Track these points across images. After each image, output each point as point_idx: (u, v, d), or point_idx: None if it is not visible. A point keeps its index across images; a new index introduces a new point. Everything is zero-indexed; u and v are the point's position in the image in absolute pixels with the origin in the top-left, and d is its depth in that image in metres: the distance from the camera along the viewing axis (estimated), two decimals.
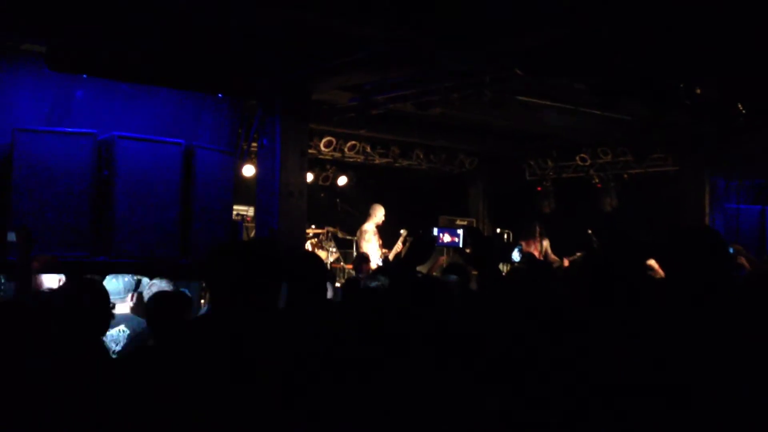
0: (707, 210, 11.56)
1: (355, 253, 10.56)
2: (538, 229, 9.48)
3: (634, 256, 3.07)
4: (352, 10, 6.35)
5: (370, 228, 9.65)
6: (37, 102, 7.60)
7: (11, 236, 5.45)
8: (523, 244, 9.35)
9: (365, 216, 9.98)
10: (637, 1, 6.05)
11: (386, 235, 10.36)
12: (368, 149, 12.50)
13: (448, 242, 4.22)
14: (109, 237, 7.23)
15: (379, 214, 9.74)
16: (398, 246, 10.12)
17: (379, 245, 9.81)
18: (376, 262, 9.43)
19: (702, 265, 2.69)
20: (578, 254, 9.68)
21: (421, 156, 13.15)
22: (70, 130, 7.34)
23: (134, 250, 7.27)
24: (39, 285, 5.41)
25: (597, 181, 13.14)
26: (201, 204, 7.74)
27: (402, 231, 10.26)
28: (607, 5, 6.07)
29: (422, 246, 3.54)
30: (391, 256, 9.85)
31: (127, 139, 7.40)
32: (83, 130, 7.34)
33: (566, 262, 9.45)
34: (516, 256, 7.84)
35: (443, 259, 9.21)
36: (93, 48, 7.06)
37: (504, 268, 12.88)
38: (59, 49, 6.96)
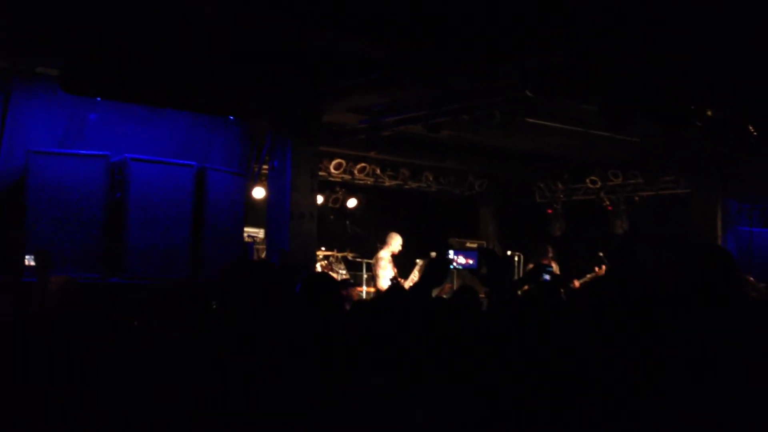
0: (719, 232, 11.50)
1: (364, 276, 10.55)
2: (550, 250, 9.45)
3: (644, 278, 3.05)
4: (362, 32, 6.40)
5: (385, 256, 9.63)
6: (51, 124, 7.68)
7: (30, 259, 5.50)
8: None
9: (381, 242, 9.97)
10: (648, 24, 6.08)
11: (400, 261, 10.35)
12: (378, 171, 12.52)
13: (463, 264, 4.20)
14: (121, 258, 7.27)
15: (395, 243, 9.71)
16: (414, 275, 10.10)
17: (395, 273, 9.79)
18: (386, 285, 9.42)
19: (714, 283, 2.69)
20: (588, 276, 9.65)
21: (431, 178, 13.17)
22: (83, 152, 7.41)
23: (146, 272, 7.30)
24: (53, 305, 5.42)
25: (608, 203, 13.11)
26: (212, 225, 7.77)
27: (418, 261, 10.25)
28: (617, 28, 6.10)
29: (438, 268, 3.53)
30: (406, 286, 9.81)
31: (139, 161, 7.46)
32: (96, 153, 7.40)
33: (577, 284, 9.42)
34: (546, 276, 7.98)
35: (449, 287, 9.17)
36: (107, 71, 7.13)
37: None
38: (74, 71, 7.03)
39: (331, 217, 13.36)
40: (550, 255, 9.33)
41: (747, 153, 9.40)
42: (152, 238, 7.40)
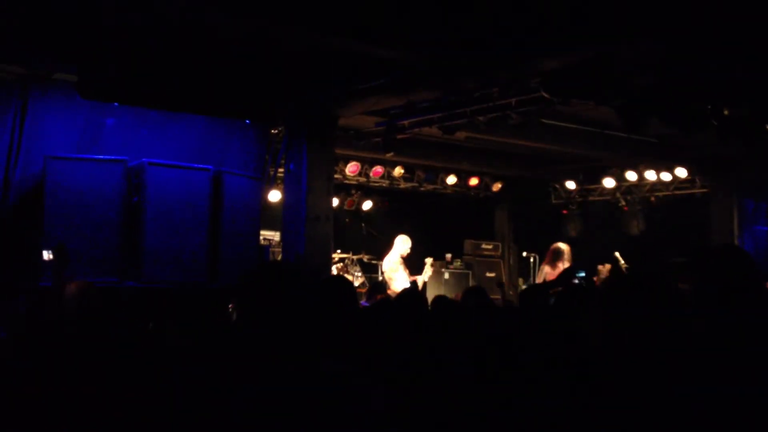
0: (736, 232, 11.42)
1: (380, 279, 10.55)
2: (567, 251, 9.38)
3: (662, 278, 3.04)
4: (377, 34, 6.41)
5: (394, 259, 9.63)
6: (69, 130, 7.73)
7: (47, 254, 5.52)
8: (548, 267, 9.27)
9: (390, 246, 9.96)
10: (662, 23, 6.05)
11: (412, 260, 10.34)
12: (394, 173, 12.53)
13: None
14: (138, 262, 7.30)
15: (402, 245, 9.69)
16: (427, 272, 10.08)
17: (408, 274, 9.78)
18: (401, 287, 9.41)
19: (732, 281, 2.68)
20: (601, 267, 9.57)
21: (446, 180, 13.16)
22: (100, 157, 7.45)
23: (163, 276, 7.32)
24: (70, 310, 5.45)
25: (624, 204, 13.05)
26: (229, 229, 7.79)
27: (427, 260, 10.24)
28: (633, 27, 6.07)
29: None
30: (420, 284, 9.80)
31: (156, 165, 7.49)
32: (114, 157, 7.45)
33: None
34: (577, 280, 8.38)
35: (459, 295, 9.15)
36: (124, 76, 7.18)
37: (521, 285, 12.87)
38: (91, 77, 7.08)
39: (347, 219, 13.38)
40: (567, 255, 9.25)
41: (763, 152, 9.33)
42: (169, 242, 7.43)
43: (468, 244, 13.06)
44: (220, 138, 8.63)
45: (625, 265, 9.53)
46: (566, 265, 9.31)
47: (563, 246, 9.38)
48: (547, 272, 9.16)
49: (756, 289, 2.71)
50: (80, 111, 7.71)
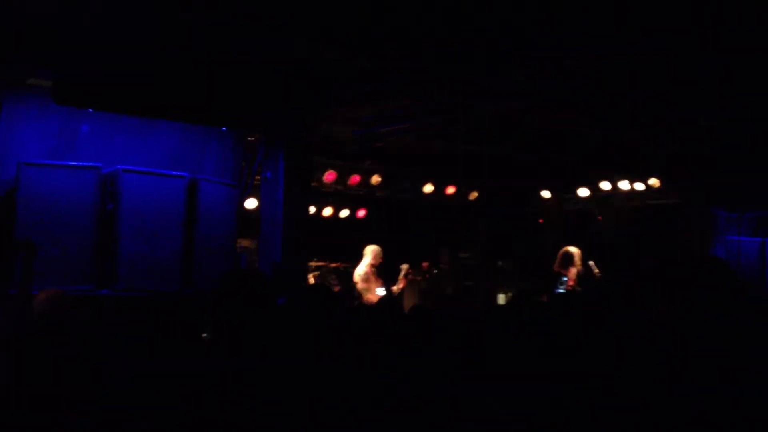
0: (708, 242, 11.57)
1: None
2: (578, 254, 9.34)
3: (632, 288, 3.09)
4: (353, 45, 6.43)
5: (364, 269, 9.61)
6: (43, 136, 7.64)
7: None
8: (563, 271, 9.30)
9: (361, 256, 9.93)
10: (638, 35, 6.13)
11: (389, 269, 10.34)
12: (371, 181, 12.53)
13: None
14: (112, 270, 7.23)
15: (373, 255, 9.67)
16: (401, 280, 10.09)
17: (380, 283, 9.76)
18: (377, 296, 9.41)
19: (710, 293, 2.71)
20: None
21: (423, 188, 13.19)
22: (74, 163, 7.38)
23: (138, 284, 7.26)
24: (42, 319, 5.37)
25: (598, 213, 13.17)
26: (205, 237, 7.74)
27: (403, 266, 10.24)
28: (609, 42, 6.15)
29: None
30: (395, 290, 9.81)
31: (131, 172, 7.43)
32: (88, 164, 7.37)
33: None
34: (560, 288, 8.45)
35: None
36: (99, 82, 7.12)
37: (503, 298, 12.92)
38: (65, 83, 7.02)
39: (324, 227, 13.36)
40: (577, 259, 9.21)
41: (735, 162, 9.48)
42: (144, 250, 7.37)
43: (445, 253, 13.11)
44: (196, 145, 8.58)
45: (598, 274, 9.60)
46: (578, 268, 9.32)
47: (573, 249, 9.35)
48: (566, 276, 9.19)
49: (733, 298, 2.74)
50: (55, 117, 7.63)
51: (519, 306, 4.88)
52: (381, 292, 9.42)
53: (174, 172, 7.73)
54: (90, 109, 7.61)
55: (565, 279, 9.20)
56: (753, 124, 8.33)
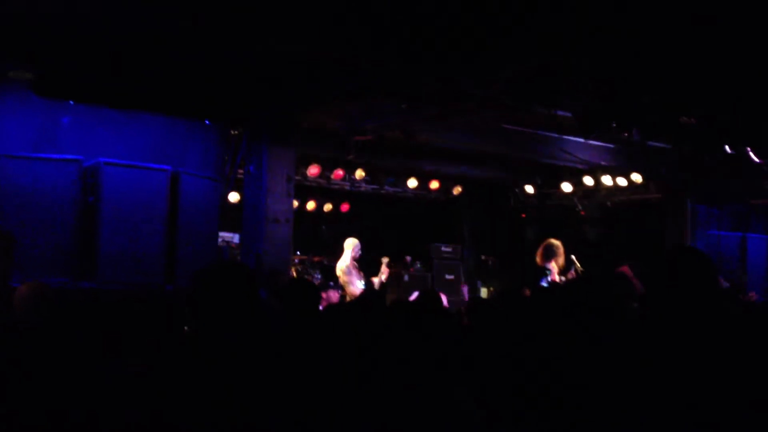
0: (689, 237, 11.68)
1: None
2: (559, 245, 9.36)
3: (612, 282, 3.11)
4: (339, 40, 6.42)
5: (345, 263, 9.62)
6: (23, 128, 7.59)
7: None
8: (547, 264, 9.30)
9: (342, 250, 9.94)
10: (619, 33, 6.16)
11: (371, 264, 10.35)
12: (355, 176, 12.53)
13: None
14: (93, 263, 7.21)
15: (353, 249, 9.68)
16: (383, 273, 10.11)
17: (362, 276, 9.77)
18: (360, 288, 9.42)
19: (689, 285, 2.73)
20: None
21: (407, 183, 13.20)
22: (55, 156, 7.34)
23: (119, 277, 7.24)
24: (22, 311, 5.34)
25: (580, 208, 13.23)
26: (187, 230, 7.73)
27: (383, 259, 10.25)
28: (591, 37, 6.17)
29: None
30: (376, 284, 9.82)
31: (112, 165, 7.40)
32: (69, 157, 7.34)
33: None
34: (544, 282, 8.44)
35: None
36: (80, 74, 7.08)
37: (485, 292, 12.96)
38: (47, 75, 6.97)
39: (307, 222, 13.34)
40: (558, 251, 9.24)
41: (715, 158, 9.55)
42: (125, 243, 7.35)
43: (431, 247, 13.12)
44: (178, 138, 8.54)
45: (581, 269, 9.65)
46: (561, 260, 9.34)
47: (554, 241, 9.37)
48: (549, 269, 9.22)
49: (711, 290, 2.77)
50: (36, 110, 7.58)
51: (501, 300, 4.91)
52: (362, 285, 9.44)
53: (156, 165, 7.71)
54: (71, 102, 7.57)
55: (549, 272, 9.24)
56: (732, 119, 8.40)
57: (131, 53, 6.85)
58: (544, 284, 9.15)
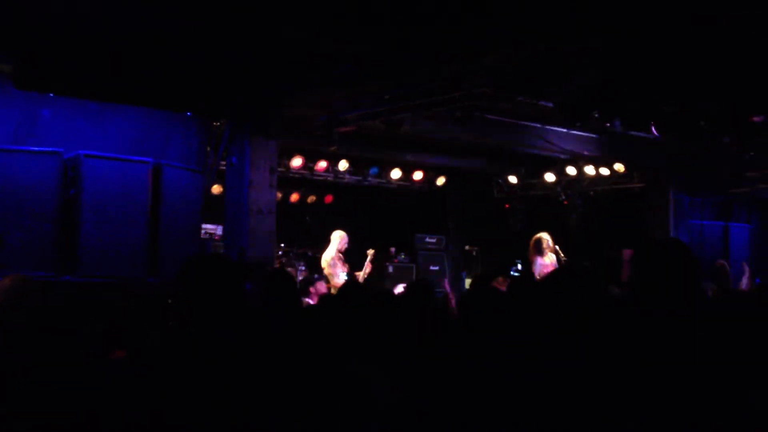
0: (671, 226, 11.74)
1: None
2: (547, 238, 9.48)
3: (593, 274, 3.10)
4: (322, 27, 6.39)
5: (331, 255, 9.61)
6: (3, 121, 7.50)
7: None
8: (540, 258, 9.38)
9: (327, 243, 9.93)
10: (602, 22, 6.17)
11: (356, 255, 10.34)
12: (338, 167, 12.50)
13: None
14: (74, 256, 7.15)
15: (340, 241, 9.68)
16: (368, 266, 10.10)
17: (347, 269, 9.77)
18: (342, 281, 9.41)
19: (671, 276, 2.74)
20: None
21: (391, 174, 13.19)
22: (35, 149, 7.26)
23: (101, 270, 7.19)
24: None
25: (564, 198, 13.28)
26: (169, 223, 7.68)
27: (369, 251, 10.25)
28: (574, 25, 6.18)
29: None
30: (361, 277, 9.82)
31: (93, 157, 7.34)
32: (49, 149, 7.27)
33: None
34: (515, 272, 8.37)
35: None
36: (60, 66, 7.00)
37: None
38: (26, 67, 6.89)
39: (291, 213, 13.31)
40: (546, 245, 9.35)
41: (698, 148, 9.61)
42: (107, 236, 7.29)
43: (415, 238, 13.14)
44: (160, 130, 8.47)
45: (564, 258, 9.71)
46: (551, 250, 9.48)
47: (543, 235, 9.53)
48: (541, 263, 9.29)
49: (694, 283, 2.77)
50: (15, 102, 7.50)
51: (470, 293, 4.90)
52: (345, 277, 9.44)
53: (137, 158, 7.65)
54: (51, 94, 7.49)
55: (541, 264, 9.31)
56: (713, 107, 8.45)
57: (111, 46, 6.79)
58: (513, 273, 9.23)
